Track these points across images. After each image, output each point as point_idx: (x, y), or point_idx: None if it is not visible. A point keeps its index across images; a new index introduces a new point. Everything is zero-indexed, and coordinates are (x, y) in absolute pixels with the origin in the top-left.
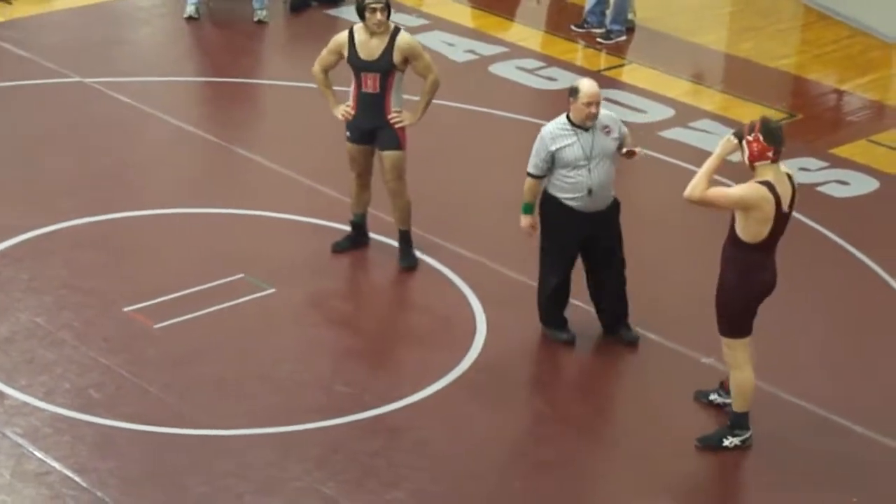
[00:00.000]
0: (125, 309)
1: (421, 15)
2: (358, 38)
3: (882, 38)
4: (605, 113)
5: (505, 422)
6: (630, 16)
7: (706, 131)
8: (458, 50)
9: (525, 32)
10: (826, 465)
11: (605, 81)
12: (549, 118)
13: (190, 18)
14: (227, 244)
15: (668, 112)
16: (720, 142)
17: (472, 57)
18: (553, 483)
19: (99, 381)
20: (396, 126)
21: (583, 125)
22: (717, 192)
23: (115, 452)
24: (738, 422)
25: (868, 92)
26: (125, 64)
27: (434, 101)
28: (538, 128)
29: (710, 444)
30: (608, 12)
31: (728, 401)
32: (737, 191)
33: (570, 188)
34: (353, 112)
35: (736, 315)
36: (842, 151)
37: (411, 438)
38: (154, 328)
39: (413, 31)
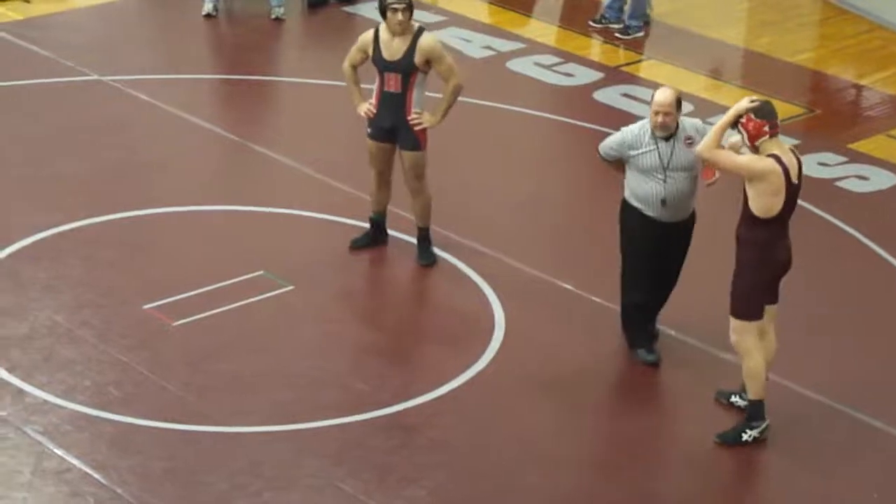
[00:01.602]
0: (144, 307)
1: (438, 11)
2: (382, 38)
3: None
4: (691, 122)
5: (523, 419)
6: (647, 10)
7: None
8: (476, 46)
9: (542, 28)
10: (846, 461)
11: (622, 77)
12: (567, 114)
13: (208, 16)
14: (246, 241)
15: (687, 107)
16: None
17: (489, 53)
18: (570, 481)
19: (118, 378)
20: (416, 128)
21: (659, 133)
22: (726, 154)
23: (135, 450)
24: (755, 412)
25: (887, 87)
26: (143, 62)
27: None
28: (556, 124)
29: (729, 440)
30: (626, 8)
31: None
32: (744, 158)
33: (644, 197)
34: (375, 110)
35: (754, 295)
36: (861, 146)
37: (429, 436)
38: (173, 325)
39: (430, 27)
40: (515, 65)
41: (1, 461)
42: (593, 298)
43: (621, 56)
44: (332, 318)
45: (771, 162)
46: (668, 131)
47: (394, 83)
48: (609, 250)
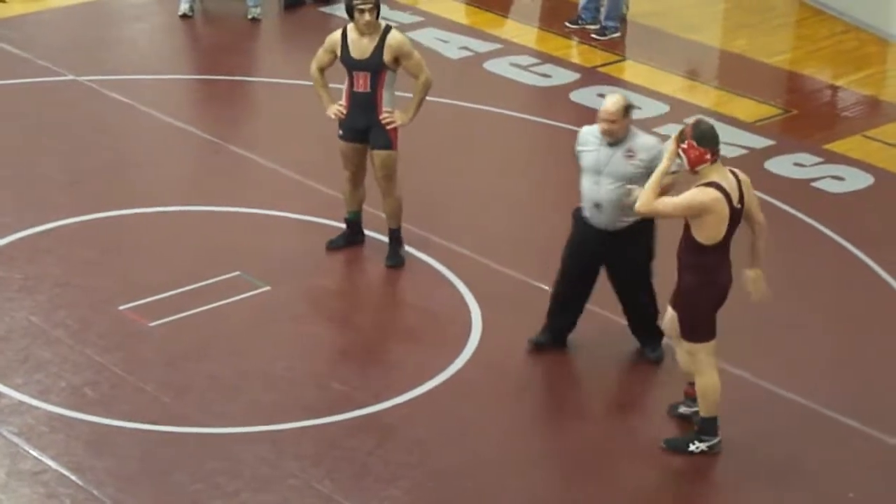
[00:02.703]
0: (120, 307)
1: (415, 12)
2: (350, 37)
3: (877, 33)
4: (645, 140)
5: (499, 420)
6: (623, 10)
7: None
8: (453, 47)
9: (519, 29)
10: (821, 461)
11: (599, 78)
12: (544, 115)
13: (184, 16)
14: (222, 242)
15: (663, 108)
16: (666, 148)
17: (466, 54)
18: (546, 481)
19: (94, 379)
20: (388, 126)
21: (606, 138)
22: (666, 201)
23: (111, 451)
24: (707, 427)
25: (863, 87)
26: (119, 62)
27: (429, 97)
28: (532, 125)
29: (677, 448)
30: (602, 9)
31: (696, 409)
32: (684, 198)
33: (583, 196)
34: (345, 111)
35: (701, 319)
36: (837, 147)
37: (407, 436)
38: (149, 326)
39: (407, 28)
40: (492, 65)
41: None
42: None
43: (598, 57)
44: (308, 319)
45: (712, 192)
46: (613, 137)
47: (363, 82)
48: None
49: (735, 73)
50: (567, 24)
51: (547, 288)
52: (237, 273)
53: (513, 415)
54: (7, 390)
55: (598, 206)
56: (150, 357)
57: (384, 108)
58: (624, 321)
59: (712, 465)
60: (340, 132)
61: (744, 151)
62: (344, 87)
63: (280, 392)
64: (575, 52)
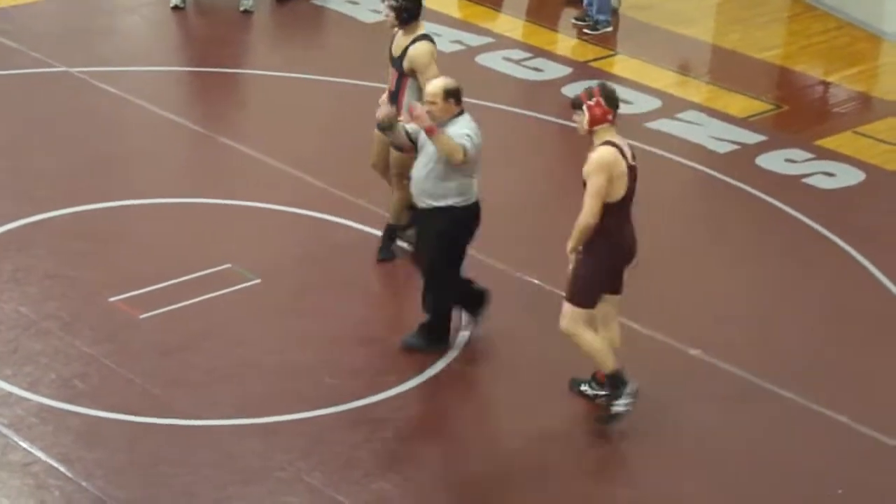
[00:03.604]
0: (111, 299)
1: None
2: (395, 32)
3: (869, 30)
4: (455, 129)
5: (490, 412)
6: (614, 3)
7: (693, 122)
8: (445, 40)
9: (511, 23)
10: (805, 452)
11: (592, 72)
12: (535, 109)
13: (175, 8)
14: (213, 234)
15: (655, 103)
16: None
17: (458, 48)
18: (537, 471)
19: (84, 371)
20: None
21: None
22: (587, 200)
23: (100, 442)
24: (614, 382)
25: (854, 84)
26: (111, 53)
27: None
28: (524, 118)
29: (605, 421)
30: (594, 2)
31: (600, 392)
32: (593, 183)
33: None
34: (385, 100)
35: (594, 282)
36: (828, 143)
37: (396, 429)
38: (140, 318)
39: None
40: (484, 59)
41: None
42: (558, 292)
43: (590, 51)
44: (298, 312)
45: (608, 151)
46: (433, 119)
47: (392, 80)
48: None
49: (727, 68)
50: (575, 20)
51: (536, 281)
52: (228, 265)
53: (503, 407)
54: None
55: (409, 178)
56: (140, 349)
57: (404, 111)
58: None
59: (712, 460)
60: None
61: (735, 147)
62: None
63: (270, 384)
64: (567, 46)
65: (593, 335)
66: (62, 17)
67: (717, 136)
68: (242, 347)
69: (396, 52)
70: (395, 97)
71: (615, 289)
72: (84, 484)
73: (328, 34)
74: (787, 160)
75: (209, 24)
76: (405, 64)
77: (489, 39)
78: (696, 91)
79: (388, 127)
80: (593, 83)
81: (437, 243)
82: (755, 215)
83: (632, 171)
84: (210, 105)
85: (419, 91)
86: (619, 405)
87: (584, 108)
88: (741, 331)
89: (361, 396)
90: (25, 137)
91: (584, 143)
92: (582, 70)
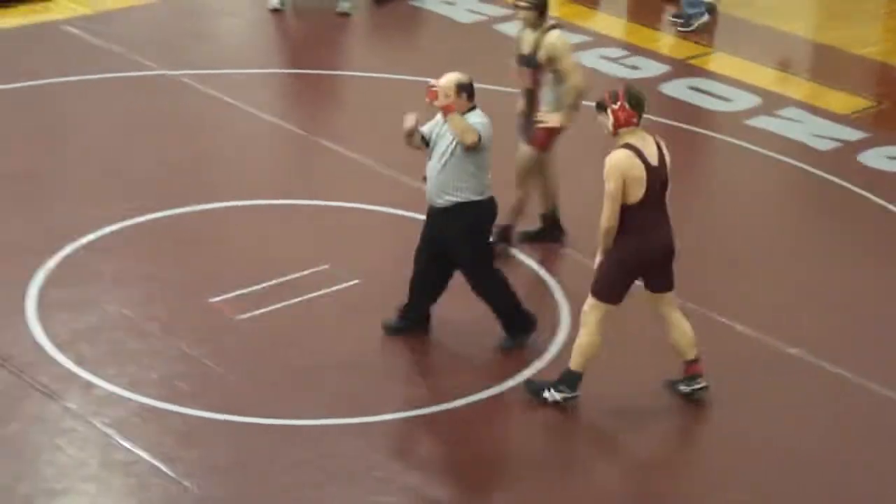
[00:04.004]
0: (210, 300)
1: (509, 6)
2: (522, 32)
3: None
4: (475, 118)
5: (582, 418)
6: None
7: (793, 119)
8: None
9: (609, 21)
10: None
11: (690, 70)
12: None
13: (274, 10)
14: (311, 235)
15: (755, 100)
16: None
17: None
18: (635, 468)
19: (184, 371)
20: (541, 125)
21: None
22: (606, 203)
23: (200, 442)
24: (567, 379)
25: None
26: (210, 56)
27: (517, 89)
28: None
29: (532, 389)
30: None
31: (696, 386)
32: (607, 187)
33: None
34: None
35: (616, 278)
36: None
37: (489, 432)
38: (239, 319)
39: (498, 20)
40: (583, 58)
41: (69, 453)
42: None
43: (688, 49)
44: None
45: (622, 155)
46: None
47: (526, 78)
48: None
49: (827, 64)
50: (672, 17)
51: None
52: (326, 266)
53: (594, 412)
54: (100, 382)
55: (424, 178)
56: (239, 349)
57: (542, 107)
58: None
59: (811, 461)
60: None
61: (837, 144)
62: None
63: (367, 385)
64: (664, 44)
65: (595, 337)
66: (161, 20)
67: (817, 134)
68: (340, 348)
69: (527, 49)
70: (530, 95)
71: (661, 287)
72: (185, 483)
73: (425, 35)
74: (890, 157)
75: (307, 26)
76: (541, 56)
77: (587, 38)
78: (797, 88)
79: (410, 135)
80: (621, 87)
81: (469, 238)
82: (857, 213)
83: (654, 172)
84: (308, 107)
85: (557, 84)
86: (552, 395)
87: (609, 111)
88: (842, 329)
89: (455, 398)
90: (125, 140)
91: (682, 144)
92: (680, 68)
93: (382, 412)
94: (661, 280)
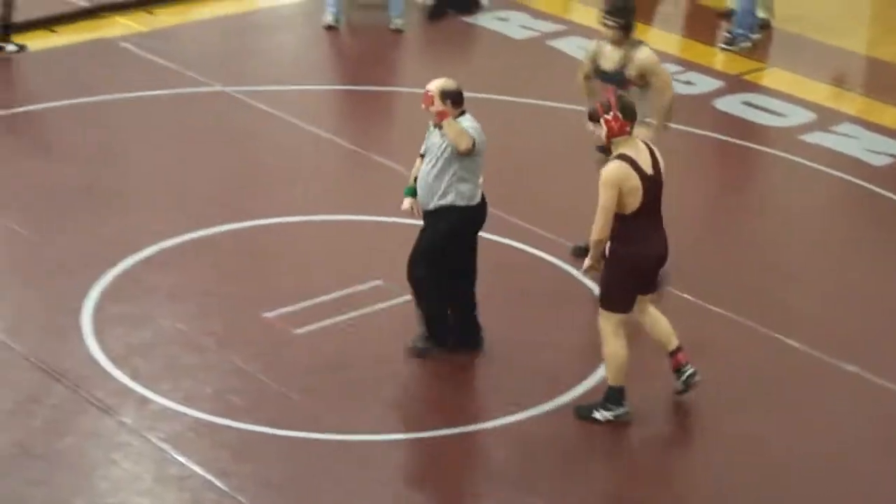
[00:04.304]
0: (265, 315)
1: (559, 20)
2: (603, 48)
3: None
4: (469, 124)
5: (644, 426)
6: (764, 14)
7: (847, 135)
8: None
9: (664, 37)
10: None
11: (744, 85)
12: (686, 122)
13: (329, 27)
14: (364, 251)
15: (810, 116)
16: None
17: None
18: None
19: (239, 386)
20: None
21: None
22: (600, 217)
23: (254, 457)
24: (612, 396)
25: None
26: (265, 72)
27: (567, 104)
28: (676, 133)
29: (582, 415)
30: (734, 18)
31: (686, 376)
32: (601, 198)
33: None
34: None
35: (623, 288)
36: None
37: (548, 445)
38: (293, 334)
39: (551, 35)
40: None
41: (124, 467)
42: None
43: (742, 65)
44: None
45: (618, 166)
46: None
47: (607, 95)
48: (734, 262)
49: (882, 80)
50: (725, 33)
51: (683, 294)
52: (379, 282)
53: (649, 420)
54: (155, 396)
55: (416, 179)
56: (294, 364)
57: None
58: None
59: (868, 482)
60: None
61: (892, 160)
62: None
63: (422, 400)
64: (718, 59)
65: (619, 349)
66: (215, 37)
67: (872, 149)
68: (394, 363)
69: (610, 65)
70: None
71: (645, 291)
72: (239, 498)
73: (478, 51)
74: None
75: (361, 42)
76: (630, 72)
77: None
78: (851, 104)
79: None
80: (606, 98)
81: (445, 236)
82: None
83: (650, 181)
84: (361, 122)
85: (642, 98)
86: (603, 414)
87: (602, 121)
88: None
89: (513, 412)
90: (182, 156)
91: (736, 160)
92: (734, 83)
93: (437, 427)
94: (650, 285)
